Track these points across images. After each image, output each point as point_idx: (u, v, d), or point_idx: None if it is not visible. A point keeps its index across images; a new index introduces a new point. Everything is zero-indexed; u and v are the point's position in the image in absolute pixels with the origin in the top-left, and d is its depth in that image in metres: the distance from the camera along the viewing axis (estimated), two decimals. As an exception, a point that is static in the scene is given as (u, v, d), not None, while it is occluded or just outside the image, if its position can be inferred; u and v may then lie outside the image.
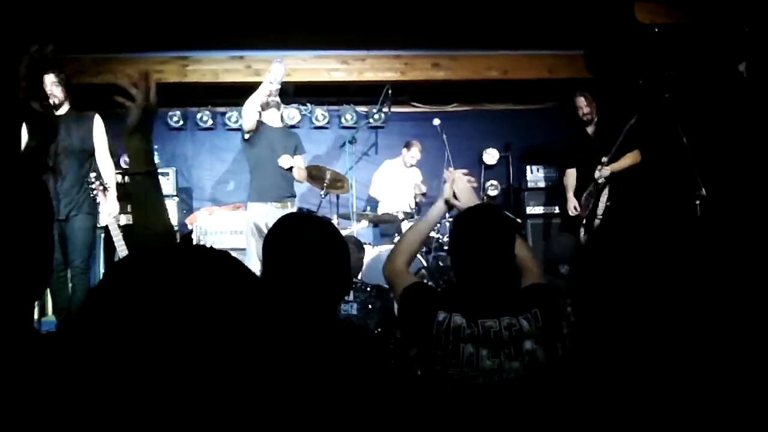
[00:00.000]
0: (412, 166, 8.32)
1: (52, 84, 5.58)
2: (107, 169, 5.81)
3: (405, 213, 7.47)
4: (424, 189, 8.11)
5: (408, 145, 8.31)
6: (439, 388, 2.39)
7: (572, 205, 6.75)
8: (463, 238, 2.55)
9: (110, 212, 5.51)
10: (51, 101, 5.55)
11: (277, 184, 6.44)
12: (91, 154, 5.73)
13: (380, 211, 8.04)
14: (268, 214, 6.28)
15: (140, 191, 2.07)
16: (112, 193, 5.64)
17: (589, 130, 6.80)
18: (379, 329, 4.32)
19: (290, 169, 6.50)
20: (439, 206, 3.06)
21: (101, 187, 5.54)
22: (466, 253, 2.53)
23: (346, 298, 4.46)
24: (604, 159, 6.44)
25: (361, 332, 2.09)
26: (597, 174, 6.47)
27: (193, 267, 1.07)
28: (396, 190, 8.19)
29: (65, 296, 5.72)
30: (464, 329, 2.39)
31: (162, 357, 0.99)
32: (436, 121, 7.92)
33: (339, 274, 2.04)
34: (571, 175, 6.95)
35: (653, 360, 1.88)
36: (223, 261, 1.11)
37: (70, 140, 5.61)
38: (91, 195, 5.56)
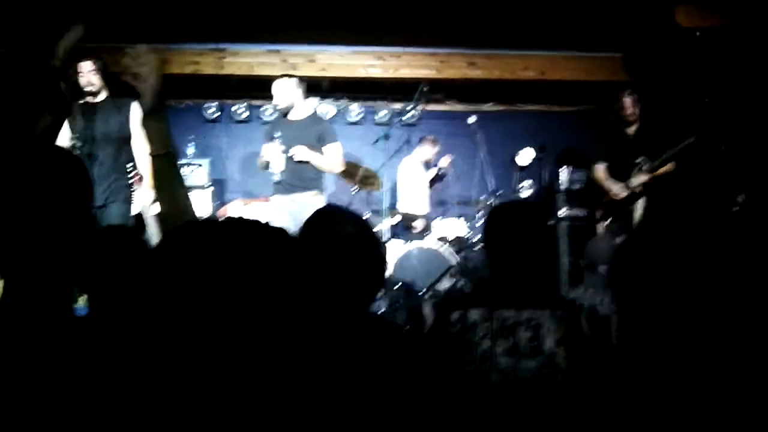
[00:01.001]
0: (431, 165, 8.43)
1: (89, 72, 5.64)
2: (143, 158, 5.85)
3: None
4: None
5: (432, 142, 8.45)
6: (456, 386, 2.38)
7: (617, 188, 6.62)
8: (497, 230, 2.56)
9: (143, 201, 5.55)
10: (89, 89, 5.60)
11: (287, 177, 6.42)
12: (128, 141, 5.77)
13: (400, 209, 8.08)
14: (277, 206, 6.38)
15: (162, 173, 2.08)
16: (146, 182, 5.68)
17: (629, 131, 6.71)
18: (408, 326, 4.31)
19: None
20: None
21: (138, 176, 5.58)
22: (501, 241, 2.54)
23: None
24: (641, 161, 6.38)
25: (392, 329, 2.08)
26: (634, 179, 6.41)
27: (238, 236, 1.09)
28: (415, 189, 8.28)
29: None
30: (480, 324, 2.40)
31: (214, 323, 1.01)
32: (472, 119, 7.87)
33: (373, 269, 2.04)
34: (601, 169, 6.84)
35: (692, 363, 1.85)
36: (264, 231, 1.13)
37: (108, 127, 5.66)
38: (128, 183, 5.61)
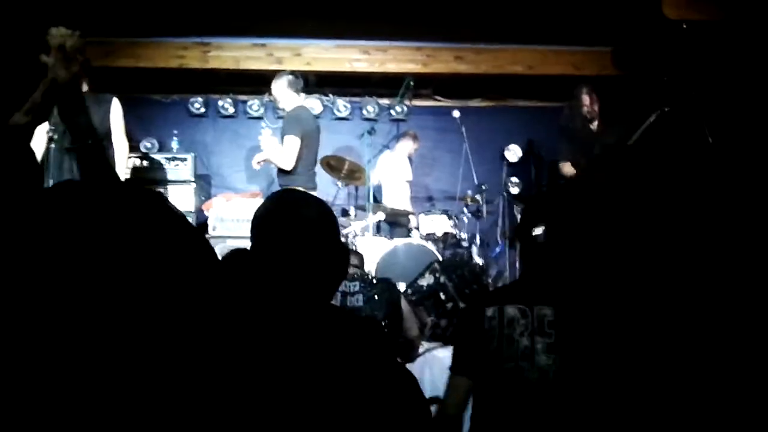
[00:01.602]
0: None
1: None
2: (121, 152, 5.78)
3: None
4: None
5: (414, 137, 8.39)
6: (494, 385, 2.35)
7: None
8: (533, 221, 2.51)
9: None
10: None
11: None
12: (107, 136, 5.69)
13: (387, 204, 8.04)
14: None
15: (85, 164, 2.02)
16: (122, 174, 5.61)
17: (593, 126, 6.65)
18: (386, 322, 4.24)
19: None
20: None
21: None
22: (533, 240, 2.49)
23: (352, 289, 4.38)
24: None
25: (361, 321, 1.99)
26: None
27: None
28: (398, 183, 8.23)
29: None
30: (518, 320, 2.34)
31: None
32: (456, 113, 7.83)
33: (334, 254, 1.94)
34: (568, 165, 6.75)
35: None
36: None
37: None
38: None
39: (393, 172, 8.22)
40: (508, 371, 2.32)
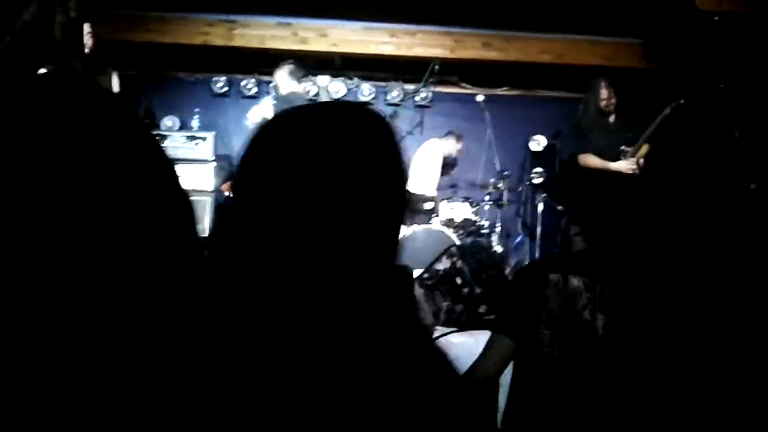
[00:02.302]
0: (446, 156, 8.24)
1: (87, 34, 5.45)
2: None
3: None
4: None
5: (458, 138, 8.22)
6: (548, 355, 2.23)
7: (625, 164, 6.33)
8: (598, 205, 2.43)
9: None
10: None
11: None
12: None
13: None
14: None
15: None
16: None
17: (611, 119, 6.49)
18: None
19: None
20: None
21: None
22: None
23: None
24: (627, 149, 6.17)
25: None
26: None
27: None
28: (430, 172, 8.07)
29: None
30: (582, 292, 2.24)
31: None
32: (480, 97, 7.72)
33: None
34: (592, 156, 6.54)
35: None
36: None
37: None
38: None
39: (428, 160, 8.12)
40: (565, 343, 2.21)
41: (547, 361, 2.20)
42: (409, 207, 7.59)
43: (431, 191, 7.88)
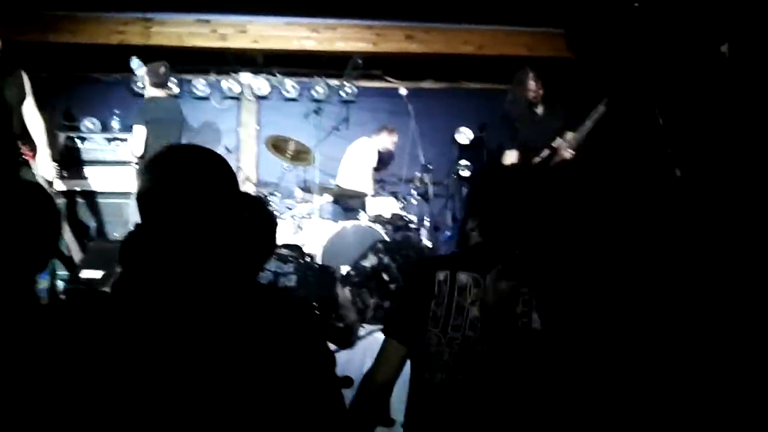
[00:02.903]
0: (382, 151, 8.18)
1: None
2: (36, 126, 5.49)
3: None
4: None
5: (391, 131, 8.13)
6: (435, 354, 2.15)
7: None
8: (493, 193, 2.34)
9: (44, 175, 5.23)
10: None
11: None
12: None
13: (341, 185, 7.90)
14: None
15: None
16: (43, 152, 5.32)
17: (538, 110, 6.47)
18: (318, 305, 4.07)
19: None
20: None
21: (30, 152, 5.23)
22: (491, 209, 2.30)
23: (285, 270, 4.20)
24: (558, 142, 6.14)
25: (285, 298, 1.79)
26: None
27: None
28: (363, 169, 8.01)
29: None
30: (470, 288, 2.16)
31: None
32: (403, 91, 7.68)
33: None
34: (511, 156, 6.53)
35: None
36: None
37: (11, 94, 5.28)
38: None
39: (361, 157, 8.06)
40: (454, 340, 2.14)
41: (435, 359, 2.15)
42: (342, 203, 7.55)
43: (366, 188, 7.82)
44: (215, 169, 1.66)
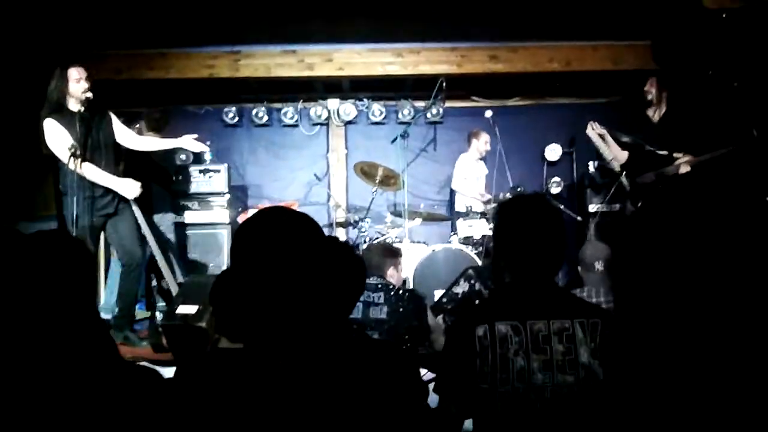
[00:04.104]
0: (482, 157, 8.16)
1: (87, 78, 5.36)
2: (150, 142, 5.97)
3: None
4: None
5: (477, 135, 8.10)
6: (489, 409, 2.15)
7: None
8: (512, 228, 2.31)
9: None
10: (88, 95, 5.32)
11: None
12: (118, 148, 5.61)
13: (459, 204, 7.94)
14: None
15: None
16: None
17: (651, 113, 6.35)
18: (408, 336, 4.07)
19: None
20: None
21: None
22: (515, 244, 2.29)
23: (375, 300, 4.21)
24: (679, 155, 6.01)
25: (376, 348, 1.81)
26: (675, 169, 6.03)
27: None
28: (474, 183, 8.03)
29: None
30: (511, 337, 2.15)
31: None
32: (488, 113, 7.62)
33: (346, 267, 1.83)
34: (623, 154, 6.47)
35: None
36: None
37: (105, 134, 5.47)
38: None
39: (468, 172, 8.06)
40: (504, 395, 2.13)
41: (489, 415, 2.14)
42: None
43: (484, 195, 7.80)
44: (298, 226, 1.75)
